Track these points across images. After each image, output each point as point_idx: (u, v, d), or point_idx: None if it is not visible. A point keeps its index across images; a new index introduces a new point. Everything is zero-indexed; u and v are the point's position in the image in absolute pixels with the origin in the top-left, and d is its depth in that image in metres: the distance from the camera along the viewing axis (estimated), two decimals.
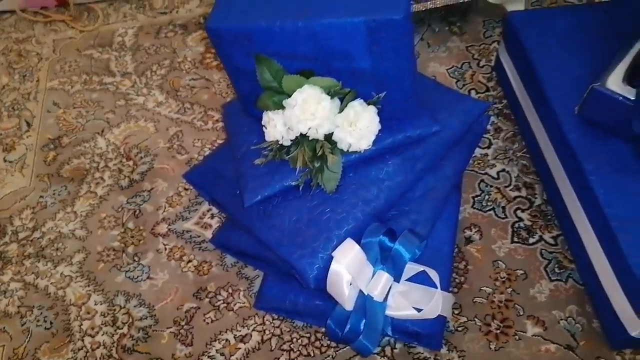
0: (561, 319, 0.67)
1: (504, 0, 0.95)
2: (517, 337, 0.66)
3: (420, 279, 0.65)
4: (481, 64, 0.95)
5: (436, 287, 0.63)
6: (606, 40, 0.73)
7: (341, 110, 0.62)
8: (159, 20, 1.10)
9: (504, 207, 0.77)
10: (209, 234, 0.78)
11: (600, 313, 0.65)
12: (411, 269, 0.64)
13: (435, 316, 0.62)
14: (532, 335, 0.66)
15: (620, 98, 0.62)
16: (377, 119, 0.64)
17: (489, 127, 0.86)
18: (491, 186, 0.79)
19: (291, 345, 0.68)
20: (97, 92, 0.99)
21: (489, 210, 0.77)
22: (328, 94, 0.62)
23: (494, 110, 0.88)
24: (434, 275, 0.64)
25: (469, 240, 0.74)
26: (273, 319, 0.70)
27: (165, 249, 0.77)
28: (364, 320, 0.61)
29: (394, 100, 0.66)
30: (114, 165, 0.88)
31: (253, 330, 0.69)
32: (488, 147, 0.84)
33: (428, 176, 0.71)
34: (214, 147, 0.88)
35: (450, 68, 0.95)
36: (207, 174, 0.78)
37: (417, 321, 0.63)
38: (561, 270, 0.71)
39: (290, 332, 0.69)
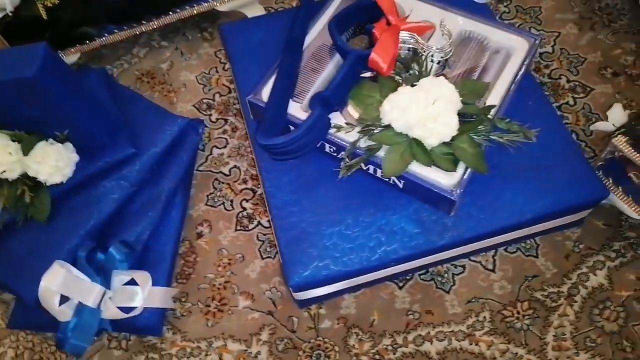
0: (267, 290, 0.81)
1: (238, 6, 1.04)
2: (230, 312, 0.80)
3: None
4: (226, 67, 1.05)
5: (154, 286, 0.76)
6: None
7: (26, 153, 0.71)
8: None
9: (232, 201, 0.89)
10: None
11: None
12: (122, 276, 0.75)
13: (140, 312, 0.74)
14: (243, 308, 0.80)
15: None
16: (67, 153, 0.74)
17: (227, 127, 0.97)
18: (223, 183, 0.91)
19: (41, 355, 0.78)
20: None
21: (220, 205, 0.89)
22: (14, 141, 0.71)
23: (232, 111, 0.99)
24: (142, 278, 0.75)
25: (200, 235, 0.86)
26: (27, 335, 0.80)
27: None
28: (77, 325, 0.72)
29: (90, 133, 0.75)
30: None
31: (8, 347, 0.79)
32: (225, 147, 0.95)
33: (144, 190, 0.81)
34: None
35: (199, 75, 1.04)
36: None
37: (136, 316, 0.75)
38: (271, 249, 0.84)
39: (41, 344, 0.79)
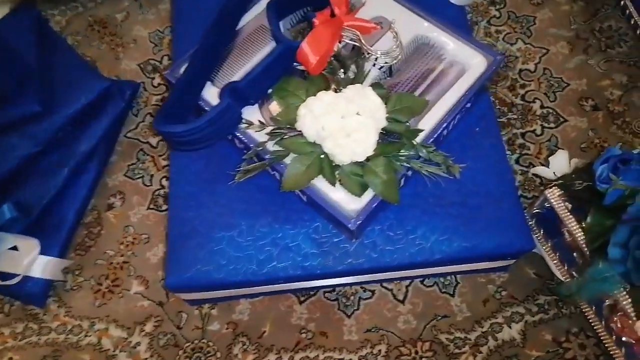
0: (163, 279, 0.76)
1: None
2: (121, 294, 0.76)
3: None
4: None
5: (45, 255, 0.72)
6: None
7: None
8: None
9: (152, 176, 0.84)
10: None
11: None
12: (6, 239, 0.71)
13: (19, 281, 0.70)
14: (134, 293, 0.76)
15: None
16: None
17: (167, 94, 0.90)
18: (148, 155, 0.85)
19: None
20: None
21: (139, 178, 0.83)
22: None
23: None
24: (29, 245, 0.71)
25: (110, 207, 0.81)
26: None
27: None
28: None
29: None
30: None
31: None
32: None
33: (53, 151, 0.76)
34: None
35: (153, 32, 0.96)
36: None
37: (18, 283, 0.72)
38: None
39: None
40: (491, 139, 0.69)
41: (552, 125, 0.84)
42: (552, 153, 0.82)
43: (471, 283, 0.74)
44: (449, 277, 0.74)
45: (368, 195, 0.60)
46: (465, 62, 0.68)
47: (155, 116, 0.62)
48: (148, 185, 0.83)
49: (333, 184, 0.60)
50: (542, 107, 0.86)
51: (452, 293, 0.73)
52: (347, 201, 0.60)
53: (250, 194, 0.66)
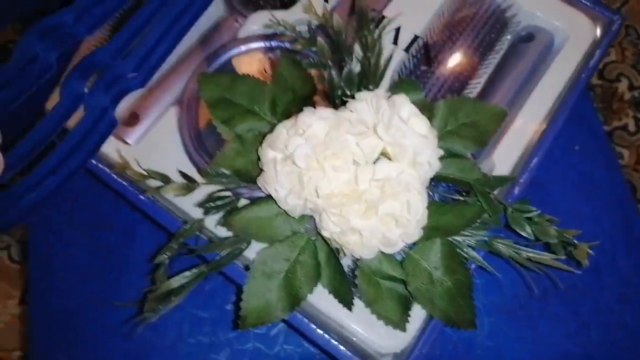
0: None
1: None
2: None
3: None
4: None
5: None
6: None
7: None
8: None
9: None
10: None
11: None
12: None
13: None
14: None
15: None
16: None
17: None
18: None
19: None
20: None
21: None
22: None
23: None
24: None
25: None
26: None
27: None
28: None
29: None
30: None
31: None
32: None
33: None
34: None
35: None
36: None
37: None
38: None
39: None
40: (603, 163, 0.40)
41: None
42: None
43: None
44: None
45: (416, 321, 0.30)
46: (555, 28, 0.38)
47: None
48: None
49: (349, 304, 0.29)
50: (631, 87, 0.57)
51: None
52: (374, 335, 0.30)
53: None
